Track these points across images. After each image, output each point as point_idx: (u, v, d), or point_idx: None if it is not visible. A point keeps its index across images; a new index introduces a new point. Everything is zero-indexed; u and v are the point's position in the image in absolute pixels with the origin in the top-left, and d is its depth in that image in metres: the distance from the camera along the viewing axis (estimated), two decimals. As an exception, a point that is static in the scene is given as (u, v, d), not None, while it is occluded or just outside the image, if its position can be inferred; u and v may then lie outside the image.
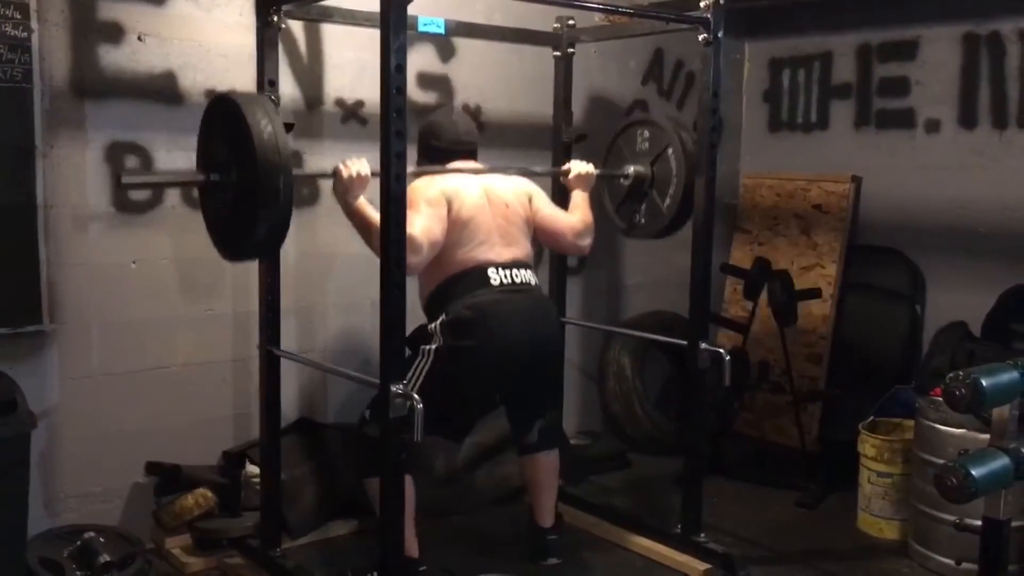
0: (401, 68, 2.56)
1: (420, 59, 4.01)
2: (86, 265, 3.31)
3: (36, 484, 3.14)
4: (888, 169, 4.73)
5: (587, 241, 3.49)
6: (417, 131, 3.32)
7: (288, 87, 3.61)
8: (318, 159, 3.79)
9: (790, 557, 3.60)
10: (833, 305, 4.78)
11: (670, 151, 3.60)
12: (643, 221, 3.75)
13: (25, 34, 3.06)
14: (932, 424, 3.48)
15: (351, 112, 3.86)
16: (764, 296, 4.43)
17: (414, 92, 3.95)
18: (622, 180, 3.75)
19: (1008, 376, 2.05)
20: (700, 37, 3.33)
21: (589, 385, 4.79)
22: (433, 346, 3.10)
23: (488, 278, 3.14)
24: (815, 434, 4.69)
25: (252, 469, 3.48)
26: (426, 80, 4.06)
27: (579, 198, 3.54)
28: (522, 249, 3.28)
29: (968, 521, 2.33)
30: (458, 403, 3.15)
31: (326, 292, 3.88)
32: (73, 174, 3.26)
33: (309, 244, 3.79)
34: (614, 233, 4.83)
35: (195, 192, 3.49)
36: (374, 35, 2.60)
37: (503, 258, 3.19)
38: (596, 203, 3.66)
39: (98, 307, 3.35)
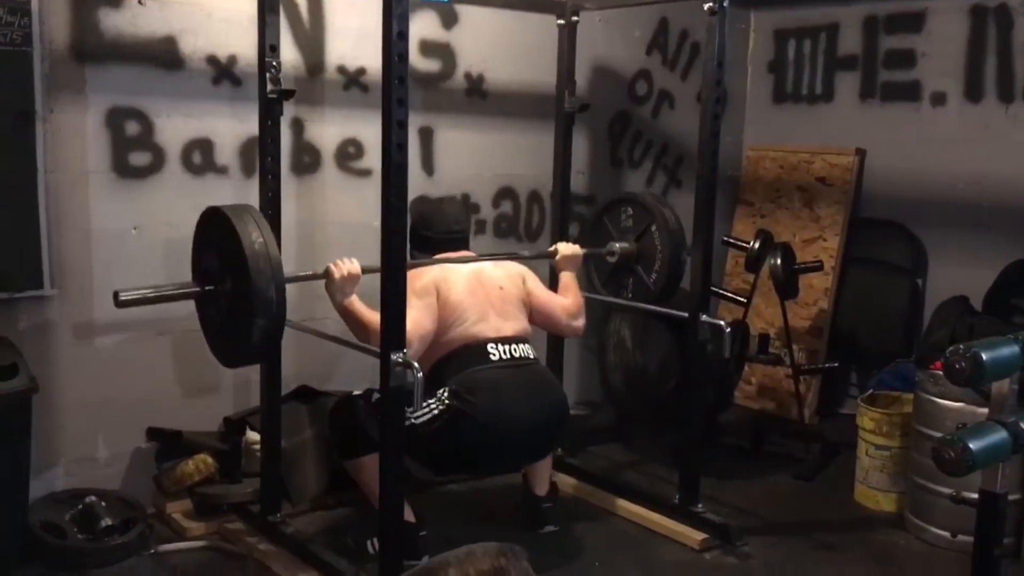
0: (403, 35, 2.54)
1: (422, 26, 3.97)
2: (87, 230, 3.31)
3: (38, 449, 3.15)
4: (892, 142, 4.71)
5: (580, 322, 3.52)
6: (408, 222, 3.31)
7: (289, 53, 3.58)
8: (319, 126, 3.77)
9: (787, 528, 3.63)
10: (834, 278, 4.78)
11: (653, 228, 3.68)
12: (630, 295, 3.82)
13: (25, -3, 3.04)
14: (931, 398, 3.49)
15: (353, 79, 3.83)
16: (766, 269, 4.42)
17: (416, 59, 3.92)
18: (608, 258, 3.80)
19: (1008, 350, 2.04)
20: (705, 6, 3.30)
21: (589, 357, 4.80)
22: (446, 401, 3.04)
23: (487, 353, 3.12)
24: (814, 407, 4.70)
25: (253, 436, 3.50)
26: (428, 47, 4.03)
27: (568, 279, 3.58)
28: (520, 324, 3.28)
29: (965, 494, 2.34)
30: (461, 458, 3.15)
31: (327, 259, 3.85)
32: (73, 139, 3.24)
33: (310, 211, 3.79)
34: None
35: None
36: (376, 1, 2.57)
37: (501, 333, 3.18)
38: (583, 279, 3.73)
39: (99, 272, 3.35)
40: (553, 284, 3.65)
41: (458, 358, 3.11)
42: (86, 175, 3.29)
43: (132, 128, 3.37)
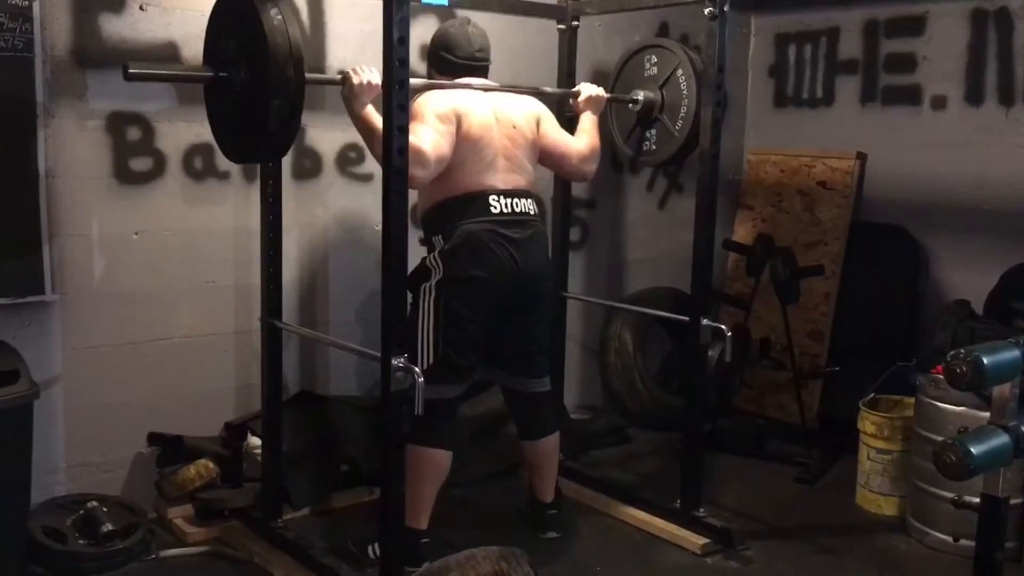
0: (404, 40, 2.54)
1: (423, 31, 3.96)
2: (88, 236, 3.31)
3: (39, 454, 3.15)
4: (893, 146, 4.71)
5: (592, 167, 3.45)
6: (430, 41, 3.29)
7: (290, 58, 3.58)
8: (320, 131, 3.78)
9: (789, 532, 3.62)
10: (836, 282, 4.77)
11: (680, 73, 3.55)
12: (654, 147, 3.71)
13: (27, 2, 3.04)
14: (932, 402, 3.48)
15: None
16: (767, 273, 4.42)
17: (417, 64, 3.92)
18: (631, 106, 3.70)
19: (1009, 354, 2.04)
20: (706, 11, 3.30)
21: (590, 360, 4.80)
22: (433, 281, 3.09)
23: (489, 205, 3.11)
24: (815, 411, 4.70)
25: (254, 440, 3.49)
26: (429, 52, 4.03)
27: (587, 121, 3.49)
28: (525, 176, 3.25)
29: (966, 498, 2.34)
30: (462, 330, 3.11)
31: (328, 264, 3.87)
32: (75, 144, 3.25)
33: (311, 216, 3.79)
34: (618, 208, 4.84)
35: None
36: (376, 6, 2.58)
37: (506, 185, 3.16)
38: (603, 134, 3.59)
39: (100, 278, 3.35)
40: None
41: (461, 203, 3.10)
42: (87, 180, 3.29)
43: (133, 133, 3.37)
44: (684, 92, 3.57)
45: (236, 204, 3.60)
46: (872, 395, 3.98)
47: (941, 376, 2.76)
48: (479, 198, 3.11)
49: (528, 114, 3.31)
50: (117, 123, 3.33)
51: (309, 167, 3.77)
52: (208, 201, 3.54)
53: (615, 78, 3.84)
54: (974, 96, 4.41)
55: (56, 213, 3.21)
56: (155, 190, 3.44)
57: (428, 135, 2.95)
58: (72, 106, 3.23)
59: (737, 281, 5.12)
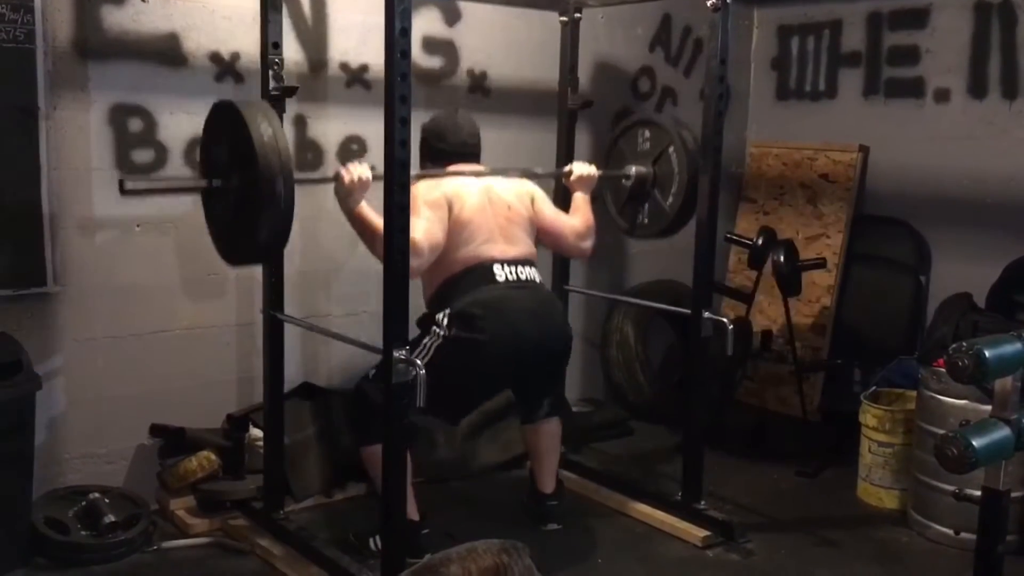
0: (406, 32, 2.54)
1: (425, 23, 3.97)
2: (90, 228, 3.31)
3: (41, 445, 3.16)
4: (896, 139, 4.70)
5: (588, 243, 3.49)
6: (420, 133, 3.30)
7: (292, 50, 3.58)
8: (322, 124, 3.77)
9: (790, 525, 3.63)
10: (838, 275, 4.77)
11: (671, 150, 3.61)
12: (646, 221, 3.77)
13: (28, -6, 3.04)
14: (934, 395, 3.48)
15: (355, 76, 3.83)
16: (769, 266, 4.42)
17: (419, 56, 3.93)
18: (624, 181, 3.75)
19: (1011, 347, 2.04)
20: (708, 3, 3.29)
21: (592, 353, 4.80)
22: (442, 332, 3.06)
23: (493, 274, 3.12)
24: (817, 404, 4.70)
25: (255, 432, 3.50)
26: (431, 44, 4.02)
27: (580, 200, 3.53)
28: (526, 247, 3.27)
29: (968, 491, 2.34)
30: (461, 389, 3.14)
31: (330, 257, 3.87)
32: (76, 136, 3.25)
33: (312, 209, 3.78)
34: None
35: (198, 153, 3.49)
36: (379, -2, 2.57)
37: (507, 255, 3.17)
38: (599, 204, 3.66)
39: (102, 270, 3.35)
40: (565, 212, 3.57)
41: (465, 278, 3.10)
42: (89, 172, 3.29)
43: (135, 125, 3.37)
44: (675, 169, 3.60)
45: (238, 196, 3.59)
46: (874, 388, 3.98)
47: (943, 369, 2.76)
48: (482, 268, 3.12)
49: (522, 193, 3.34)
50: (119, 115, 3.33)
51: (311, 159, 3.77)
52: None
53: (610, 149, 3.88)
54: (977, 89, 4.39)
55: (58, 205, 3.21)
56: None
57: (420, 224, 2.93)
58: (74, 98, 3.23)
59: (739, 274, 5.12)
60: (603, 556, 3.32)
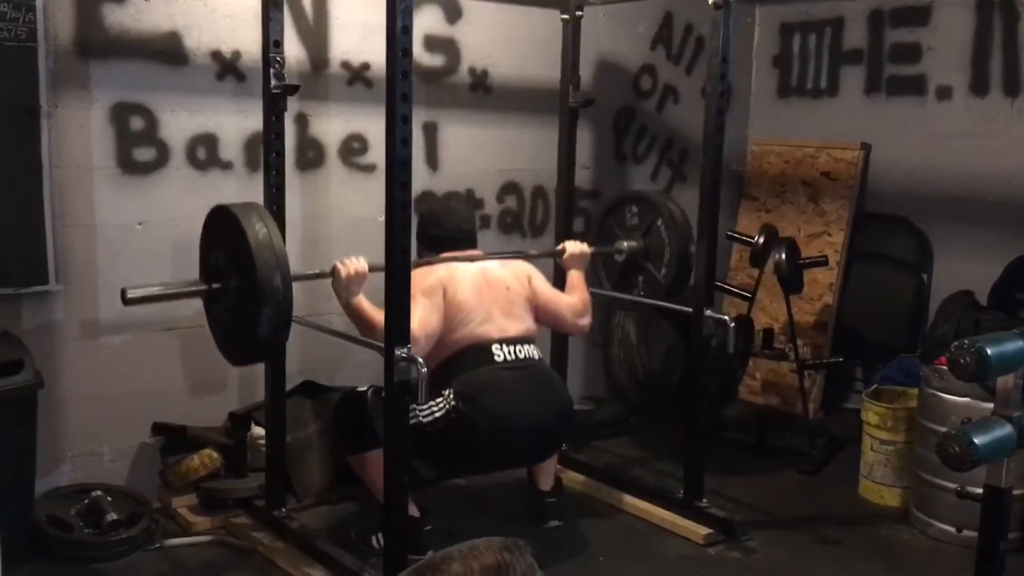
0: (407, 30, 2.54)
1: (427, 21, 3.97)
2: (92, 226, 3.32)
3: (43, 444, 3.17)
4: (898, 136, 4.69)
5: (586, 320, 3.51)
6: (417, 222, 3.31)
7: (293, 48, 3.58)
8: (323, 122, 3.77)
9: (791, 523, 3.63)
10: (839, 273, 4.77)
11: (660, 223, 3.68)
12: (642, 293, 3.81)
13: (29, -8, 3.04)
14: (936, 392, 3.48)
15: (357, 74, 3.83)
16: (770, 264, 4.41)
17: (420, 55, 3.92)
18: (616, 256, 3.79)
19: (1013, 345, 2.04)
20: (710, 1, 3.29)
21: (593, 351, 4.79)
22: (452, 402, 3.05)
23: (492, 354, 3.13)
24: (819, 402, 4.70)
25: (257, 431, 3.50)
26: (433, 42, 4.02)
27: (575, 278, 3.56)
28: (525, 325, 3.28)
29: (970, 489, 2.34)
30: (459, 460, 3.16)
31: (332, 255, 3.86)
32: (78, 134, 3.25)
33: (314, 207, 3.79)
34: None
35: (200, 152, 3.48)
36: (380, -4, 2.57)
37: (506, 334, 3.18)
38: (593, 281, 3.71)
39: (104, 268, 3.35)
40: (559, 283, 3.64)
41: (463, 359, 3.11)
42: (91, 171, 3.29)
43: (136, 124, 3.37)
44: (666, 240, 3.67)
45: (240, 194, 3.58)
46: (875, 386, 3.98)
47: (945, 367, 2.76)
48: (480, 348, 3.13)
49: (519, 274, 3.37)
50: (120, 113, 3.33)
51: (312, 157, 3.77)
52: (211, 191, 3.54)
53: (600, 227, 3.93)
54: (979, 86, 4.39)
55: (60, 203, 3.22)
56: (159, 180, 3.44)
57: (415, 313, 2.90)
58: (75, 96, 3.23)
59: (740, 272, 5.12)
60: (605, 554, 3.32)
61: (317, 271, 3.11)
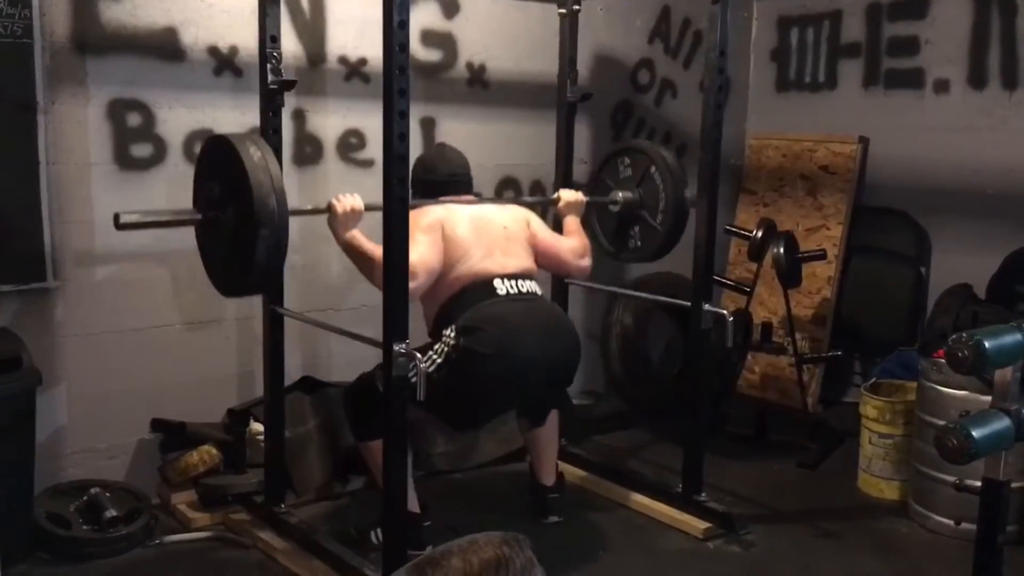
0: (404, 24, 2.53)
1: (424, 15, 3.96)
2: (89, 222, 3.31)
3: (42, 440, 3.17)
4: (896, 130, 4.69)
5: (587, 261, 3.50)
6: (411, 171, 3.30)
7: (290, 43, 3.57)
8: (321, 117, 3.77)
9: (790, 517, 3.63)
10: (838, 267, 4.77)
11: (653, 170, 3.65)
12: (639, 244, 3.79)
13: (25, -12, 3.03)
14: (934, 386, 3.48)
15: (354, 69, 3.83)
16: (769, 258, 4.41)
17: (417, 50, 3.92)
18: (611, 207, 3.77)
19: (1011, 338, 2.04)
20: (708, -6, 3.29)
21: (592, 346, 4.79)
22: (451, 342, 3.01)
23: (494, 288, 3.10)
24: (817, 395, 4.70)
25: (256, 427, 3.50)
26: (429, 37, 4.02)
27: (572, 223, 3.56)
28: (526, 262, 3.26)
29: (968, 482, 2.34)
30: (467, 401, 3.11)
31: (329, 250, 3.86)
32: (75, 131, 3.24)
33: (312, 202, 3.77)
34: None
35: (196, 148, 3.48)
36: (377, -10, 2.57)
37: (507, 269, 3.16)
38: (589, 235, 3.67)
39: (102, 264, 3.35)
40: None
41: (465, 295, 3.09)
42: (88, 167, 3.29)
43: (134, 120, 3.37)
44: (660, 187, 3.64)
45: (237, 190, 3.59)
46: (874, 379, 3.98)
47: (943, 360, 2.75)
48: (483, 284, 3.10)
49: (517, 218, 3.35)
50: (117, 109, 3.33)
51: (310, 153, 3.77)
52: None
53: (593, 184, 3.90)
54: (977, 79, 4.39)
55: (57, 200, 3.21)
56: (156, 176, 3.44)
57: (414, 249, 2.89)
58: (72, 92, 3.22)
59: (739, 266, 5.12)
60: (604, 548, 3.33)
61: (311, 207, 3.07)
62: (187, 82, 3.43)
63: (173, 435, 3.49)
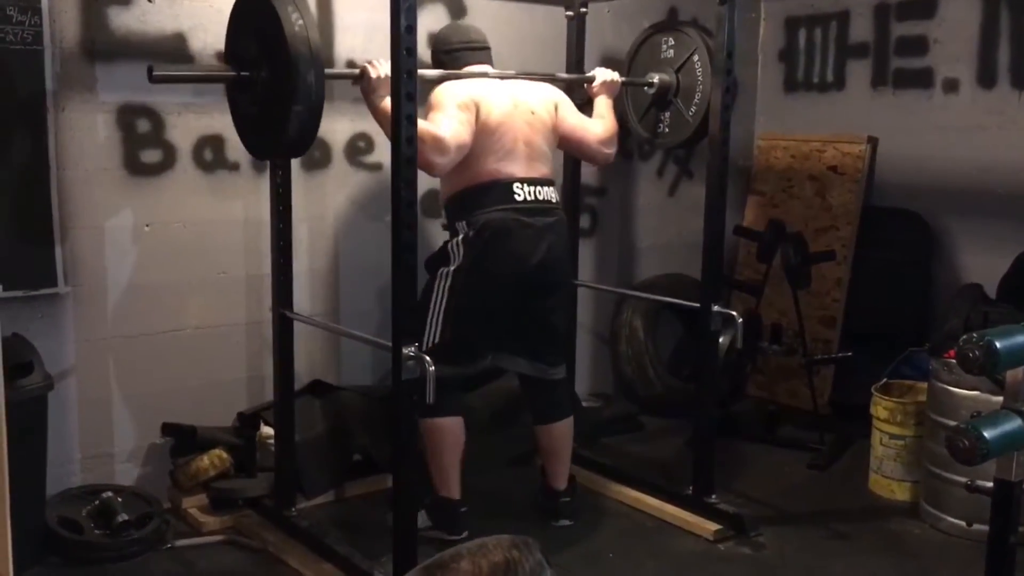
0: (411, 29, 2.54)
1: (431, 19, 3.96)
2: (100, 228, 3.33)
3: (53, 445, 3.18)
4: (905, 130, 4.67)
5: (612, 149, 3.50)
6: (430, 50, 3.37)
7: (299, 48, 3.57)
8: (328, 121, 3.75)
9: (801, 518, 3.62)
10: (847, 267, 4.76)
11: (696, 58, 3.57)
12: (667, 131, 3.74)
13: (35, -4, 3.05)
14: (945, 386, 3.47)
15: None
16: (778, 259, 4.40)
17: (425, 54, 3.91)
18: (647, 88, 3.71)
19: (1023, 338, 2.03)
20: (715, -5, 3.28)
21: (601, 348, 4.80)
22: (452, 267, 3.13)
23: (513, 193, 3.15)
24: (827, 397, 4.69)
25: (267, 430, 3.51)
26: (437, 41, 4.01)
27: (603, 106, 3.53)
28: (547, 164, 3.29)
29: (980, 483, 2.33)
30: (477, 319, 3.16)
31: (338, 254, 3.88)
32: (85, 137, 3.26)
33: (320, 206, 3.79)
34: (628, 195, 4.83)
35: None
36: (384, -5, 2.57)
37: (528, 173, 3.19)
38: (618, 115, 3.62)
39: (112, 270, 3.37)
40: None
41: (483, 193, 3.13)
42: (98, 173, 3.30)
43: (143, 126, 3.38)
44: (699, 77, 3.58)
45: (246, 195, 3.60)
46: (884, 380, 3.96)
47: (954, 361, 2.74)
48: (502, 186, 3.14)
49: (546, 100, 3.34)
50: (127, 115, 3.34)
51: (318, 157, 3.77)
52: (218, 192, 3.55)
53: (631, 57, 3.86)
54: (986, 79, 4.37)
55: (68, 206, 3.23)
56: (166, 182, 3.45)
57: (447, 123, 2.99)
58: (82, 99, 3.24)
59: (748, 267, 5.11)
60: (614, 551, 3.32)
61: (344, 71, 3.11)
62: (196, 88, 3.44)
63: (184, 439, 3.50)
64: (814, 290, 4.66)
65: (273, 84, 2.57)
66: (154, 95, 3.37)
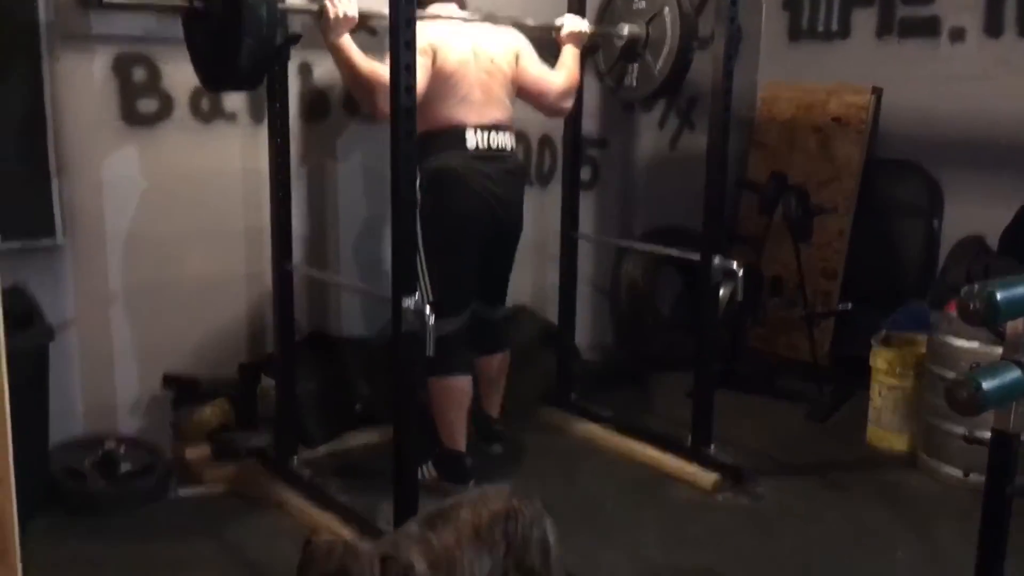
0: (411, -26, 2.49)
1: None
2: (97, 178, 3.30)
3: (55, 397, 3.19)
4: (910, 80, 4.62)
5: (569, 103, 3.48)
6: None
7: (296, -4, 3.52)
8: (329, 71, 3.72)
9: (800, 469, 3.65)
10: (849, 220, 4.74)
11: (666, 11, 3.54)
12: (635, 84, 3.71)
13: (27, -58, 3.00)
14: (945, 338, 3.47)
15: (361, 22, 3.76)
16: (780, 211, 4.38)
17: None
18: (616, 41, 3.67)
19: (1023, 289, 2.02)
20: (719, -59, 3.23)
21: (601, 300, 4.79)
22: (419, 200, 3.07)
23: (465, 140, 3.13)
24: (827, 349, 4.70)
25: (268, 381, 3.52)
26: (437, -11, 3.95)
27: (569, 56, 3.48)
28: (503, 110, 3.25)
29: (978, 434, 2.34)
30: (453, 264, 3.18)
31: (338, 206, 3.86)
32: (81, 87, 3.22)
33: (319, 156, 3.77)
34: (629, 147, 4.79)
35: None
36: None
37: (483, 120, 3.17)
38: (589, 64, 3.58)
39: (111, 221, 3.35)
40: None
41: (437, 139, 3.11)
42: (95, 123, 3.27)
43: (139, 75, 3.34)
44: (668, 31, 3.53)
45: (244, 146, 3.57)
46: (884, 332, 3.97)
47: (954, 312, 2.74)
48: (455, 132, 3.12)
49: (508, 49, 3.29)
50: (123, 65, 3.30)
51: (317, 108, 3.74)
52: (216, 142, 3.52)
53: (604, 5, 3.81)
54: (993, 27, 4.31)
55: (64, 157, 3.20)
56: (163, 133, 3.42)
57: None
58: (77, 48, 3.19)
59: (750, 220, 5.09)
60: (613, 501, 3.35)
61: (301, 5, 2.93)
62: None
63: (186, 391, 3.51)
64: (816, 242, 4.65)
65: (225, 15, 2.53)
66: (150, 44, 3.33)
